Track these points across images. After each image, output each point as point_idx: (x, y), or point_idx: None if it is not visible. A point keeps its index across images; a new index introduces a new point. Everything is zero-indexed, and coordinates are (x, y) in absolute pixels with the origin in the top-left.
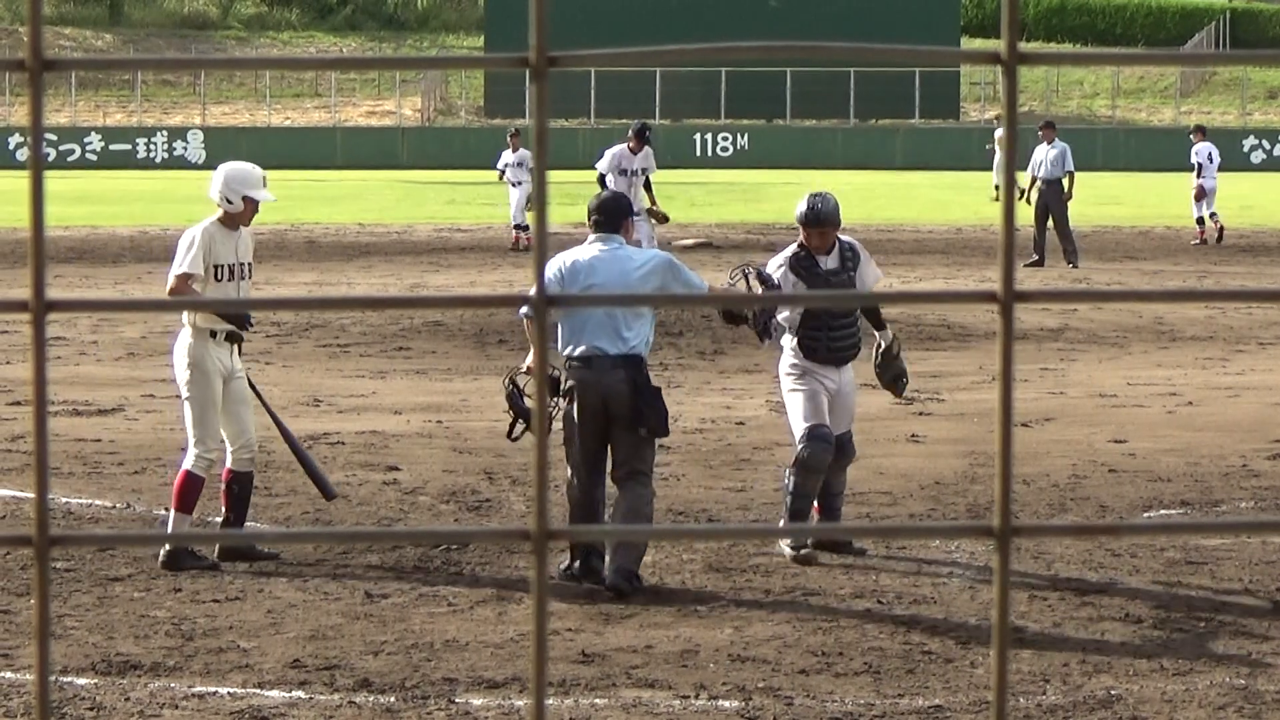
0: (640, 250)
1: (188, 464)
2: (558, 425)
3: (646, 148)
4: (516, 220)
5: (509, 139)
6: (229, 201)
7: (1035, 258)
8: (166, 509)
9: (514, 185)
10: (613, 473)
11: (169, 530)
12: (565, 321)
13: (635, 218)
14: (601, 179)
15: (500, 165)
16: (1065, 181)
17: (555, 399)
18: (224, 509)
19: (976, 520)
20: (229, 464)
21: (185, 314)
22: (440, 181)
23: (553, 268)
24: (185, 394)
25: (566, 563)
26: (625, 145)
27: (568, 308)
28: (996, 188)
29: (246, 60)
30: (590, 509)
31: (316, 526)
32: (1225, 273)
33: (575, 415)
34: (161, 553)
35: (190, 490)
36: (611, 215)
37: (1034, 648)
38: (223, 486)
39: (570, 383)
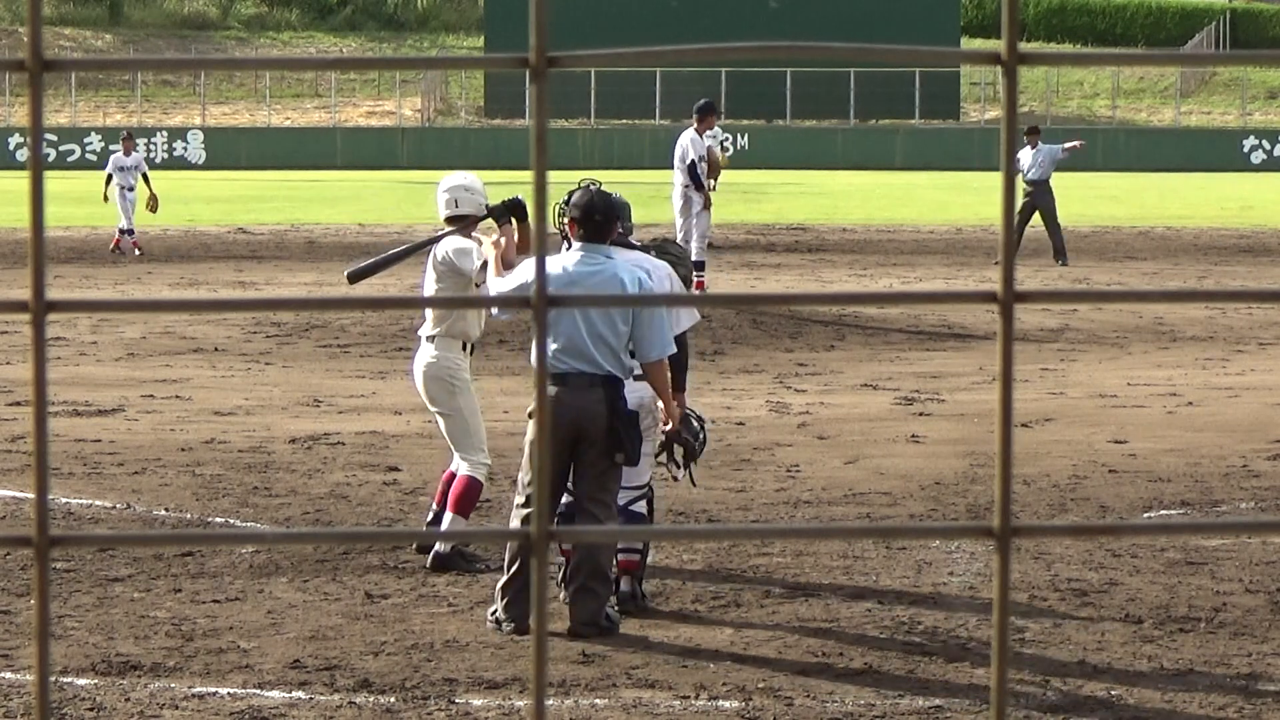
0: (629, 267)
1: (468, 471)
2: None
3: (715, 126)
4: (125, 224)
5: (122, 141)
6: (485, 208)
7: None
8: (167, 509)
9: (128, 190)
10: (573, 501)
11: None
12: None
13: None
14: (692, 166)
15: (110, 169)
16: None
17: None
18: (436, 509)
19: (976, 520)
20: (466, 470)
21: (434, 327)
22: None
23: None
24: (450, 407)
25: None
26: (693, 128)
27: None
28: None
29: (246, 60)
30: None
31: (316, 527)
32: (1225, 273)
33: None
34: (431, 557)
35: (473, 496)
36: (599, 221)
37: (1034, 648)
38: (442, 487)
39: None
